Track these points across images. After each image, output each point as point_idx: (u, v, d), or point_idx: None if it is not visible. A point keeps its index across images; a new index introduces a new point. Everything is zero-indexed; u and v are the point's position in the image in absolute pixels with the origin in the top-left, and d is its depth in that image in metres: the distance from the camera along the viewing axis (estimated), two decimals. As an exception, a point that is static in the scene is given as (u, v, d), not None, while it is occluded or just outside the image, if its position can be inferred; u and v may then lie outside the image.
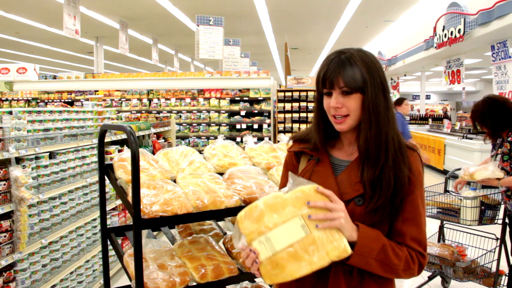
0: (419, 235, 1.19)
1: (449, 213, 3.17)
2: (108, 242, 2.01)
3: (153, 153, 2.24)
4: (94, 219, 3.50)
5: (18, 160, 2.66)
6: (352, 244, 1.11)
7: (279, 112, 8.06)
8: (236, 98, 8.07)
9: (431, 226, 3.67)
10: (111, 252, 2.42)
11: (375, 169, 1.16)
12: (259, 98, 7.90)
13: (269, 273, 1.11)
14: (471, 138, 8.04)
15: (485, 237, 3.38)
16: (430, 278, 3.50)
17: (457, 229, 3.55)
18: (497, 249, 3.19)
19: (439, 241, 3.57)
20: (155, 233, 2.38)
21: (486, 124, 3.01)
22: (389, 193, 1.15)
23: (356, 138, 1.24)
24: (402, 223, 1.19)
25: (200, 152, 2.17)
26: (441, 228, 3.58)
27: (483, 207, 3.03)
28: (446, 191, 3.46)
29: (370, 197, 1.16)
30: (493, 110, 2.94)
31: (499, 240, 3.17)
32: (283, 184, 1.39)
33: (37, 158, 2.83)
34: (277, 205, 1.12)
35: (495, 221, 3.09)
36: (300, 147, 1.33)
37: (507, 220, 3.10)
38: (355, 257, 1.10)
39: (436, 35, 8.52)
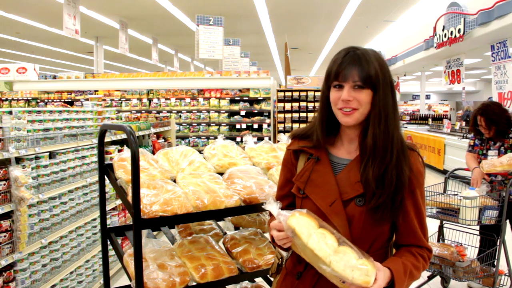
0: (425, 232, 1.25)
1: (449, 213, 3.18)
2: (108, 242, 2.01)
3: (153, 153, 2.24)
4: (94, 219, 3.50)
5: (18, 160, 2.66)
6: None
7: (279, 112, 8.05)
8: (236, 98, 8.07)
9: (430, 226, 3.69)
10: (111, 252, 2.42)
11: (380, 167, 1.17)
12: (259, 98, 7.90)
13: (295, 247, 1.17)
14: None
15: (484, 237, 3.38)
16: (429, 278, 3.51)
17: (456, 229, 3.56)
18: (497, 249, 3.21)
19: (438, 240, 3.58)
20: (155, 233, 2.38)
21: (500, 125, 3.29)
22: (391, 191, 1.16)
23: (359, 135, 1.24)
24: (411, 223, 1.22)
25: (200, 152, 2.17)
26: (441, 228, 3.59)
27: (482, 207, 3.06)
28: (445, 191, 3.48)
29: (371, 194, 1.16)
30: (504, 113, 3.32)
31: (498, 240, 3.18)
32: (281, 182, 1.39)
33: (37, 158, 2.83)
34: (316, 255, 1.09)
35: (496, 221, 3.10)
36: (299, 145, 1.33)
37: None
38: None
39: (436, 35, 8.52)
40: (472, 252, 3.45)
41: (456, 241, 3.51)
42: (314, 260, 1.10)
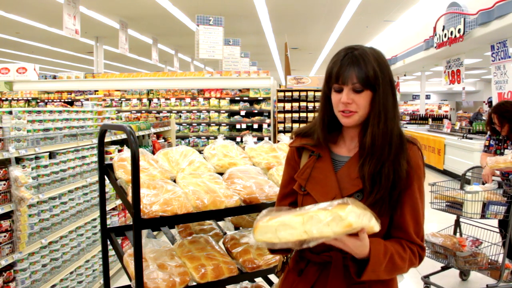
0: (418, 228, 1.22)
1: (455, 206, 3.33)
2: (108, 242, 2.01)
3: (153, 153, 2.24)
4: (94, 219, 3.50)
5: (18, 160, 2.66)
6: (362, 260, 1.12)
7: (279, 112, 8.05)
8: (236, 98, 8.07)
9: (448, 220, 3.79)
10: (111, 252, 2.42)
11: (377, 164, 1.18)
12: (259, 98, 7.90)
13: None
14: (471, 138, 8.04)
15: (497, 232, 3.48)
16: (443, 268, 3.60)
17: (474, 225, 3.63)
18: (505, 242, 3.30)
19: (454, 233, 3.65)
20: (155, 233, 2.38)
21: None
22: (388, 187, 1.16)
23: (359, 133, 1.25)
24: (403, 217, 1.21)
25: (200, 152, 2.17)
26: (457, 222, 3.67)
27: (485, 202, 3.16)
28: (462, 187, 3.59)
29: (369, 191, 1.17)
30: None
31: (506, 235, 3.27)
32: (284, 180, 1.39)
33: (37, 158, 2.83)
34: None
35: (504, 217, 3.19)
36: (301, 143, 1.34)
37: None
38: (367, 274, 1.11)
39: (436, 35, 8.52)
40: (493, 248, 3.51)
41: (472, 235, 3.58)
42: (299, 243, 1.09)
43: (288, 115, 8.02)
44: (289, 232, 1.04)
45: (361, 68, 1.17)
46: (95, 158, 3.50)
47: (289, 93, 8.07)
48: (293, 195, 1.36)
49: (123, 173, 1.77)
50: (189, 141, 8.06)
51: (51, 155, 3.02)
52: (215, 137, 7.54)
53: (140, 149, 1.66)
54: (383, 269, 1.12)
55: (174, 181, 1.86)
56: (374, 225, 1.05)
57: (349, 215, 1.01)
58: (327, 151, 1.30)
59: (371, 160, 1.18)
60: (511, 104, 3.56)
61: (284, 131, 7.85)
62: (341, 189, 1.21)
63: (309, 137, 1.33)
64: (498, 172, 3.54)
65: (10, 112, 2.85)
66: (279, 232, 1.05)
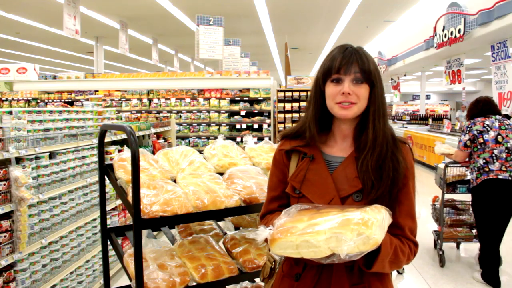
0: (414, 226, 1.23)
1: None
2: (108, 242, 2.01)
3: (153, 153, 2.24)
4: (94, 219, 3.50)
5: (18, 160, 2.66)
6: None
7: (279, 112, 8.05)
8: (236, 98, 8.07)
9: None
10: (111, 252, 2.42)
11: (378, 159, 1.19)
12: (259, 98, 7.90)
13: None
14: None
15: None
16: None
17: None
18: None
19: None
20: (155, 233, 2.38)
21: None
22: (388, 183, 1.17)
23: (354, 131, 1.26)
24: (399, 215, 1.21)
25: (200, 152, 2.17)
26: None
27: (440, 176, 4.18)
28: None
29: (370, 188, 1.17)
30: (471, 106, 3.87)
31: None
32: (273, 183, 1.37)
33: (37, 158, 2.83)
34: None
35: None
36: (291, 145, 1.32)
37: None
38: (377, 265, 1.11)
39: (436, 35, 8.52)
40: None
41: None
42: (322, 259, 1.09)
43: (288, 115, 8.01)
44: (312, 250, 1.04)
45: (364, 61, 1.20)
46: (95, 158, 3.50)
47: (289, 93, 8.07)
48: (282, 198, 1.34)
49: (123, 173, 1.77)
50: (189, 141, 8.06)
51: (51, 155, 3.02)
52: (215, 137, 7.54)
53: (140, 149, 1.66)
54: (388, 261, 1.13)
55: (174, 181, 1.86)
56: (389, 222, 1.08)
57: (375, 233, 1.01)
58: (319, 152, 1.28)
59: (372, 155, 1.19)
60: (476, 101, 3.77)
61: (284, 131, 7.83)
62: (338, 190, 1.21)
63: (298, 138, 1.32)
64: None
65: (10, 112, 2.85)
66: (301, 249, 1.05)
